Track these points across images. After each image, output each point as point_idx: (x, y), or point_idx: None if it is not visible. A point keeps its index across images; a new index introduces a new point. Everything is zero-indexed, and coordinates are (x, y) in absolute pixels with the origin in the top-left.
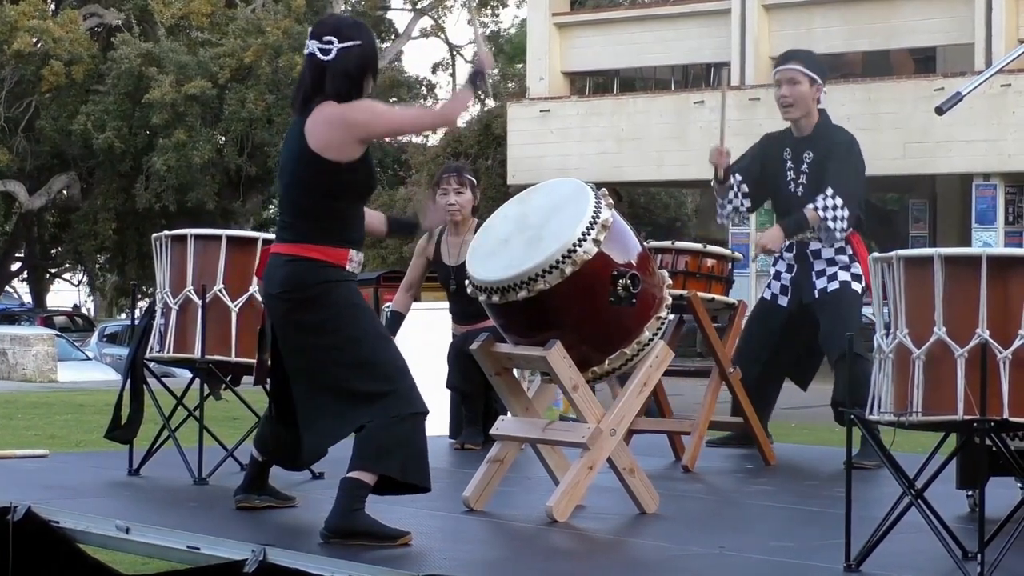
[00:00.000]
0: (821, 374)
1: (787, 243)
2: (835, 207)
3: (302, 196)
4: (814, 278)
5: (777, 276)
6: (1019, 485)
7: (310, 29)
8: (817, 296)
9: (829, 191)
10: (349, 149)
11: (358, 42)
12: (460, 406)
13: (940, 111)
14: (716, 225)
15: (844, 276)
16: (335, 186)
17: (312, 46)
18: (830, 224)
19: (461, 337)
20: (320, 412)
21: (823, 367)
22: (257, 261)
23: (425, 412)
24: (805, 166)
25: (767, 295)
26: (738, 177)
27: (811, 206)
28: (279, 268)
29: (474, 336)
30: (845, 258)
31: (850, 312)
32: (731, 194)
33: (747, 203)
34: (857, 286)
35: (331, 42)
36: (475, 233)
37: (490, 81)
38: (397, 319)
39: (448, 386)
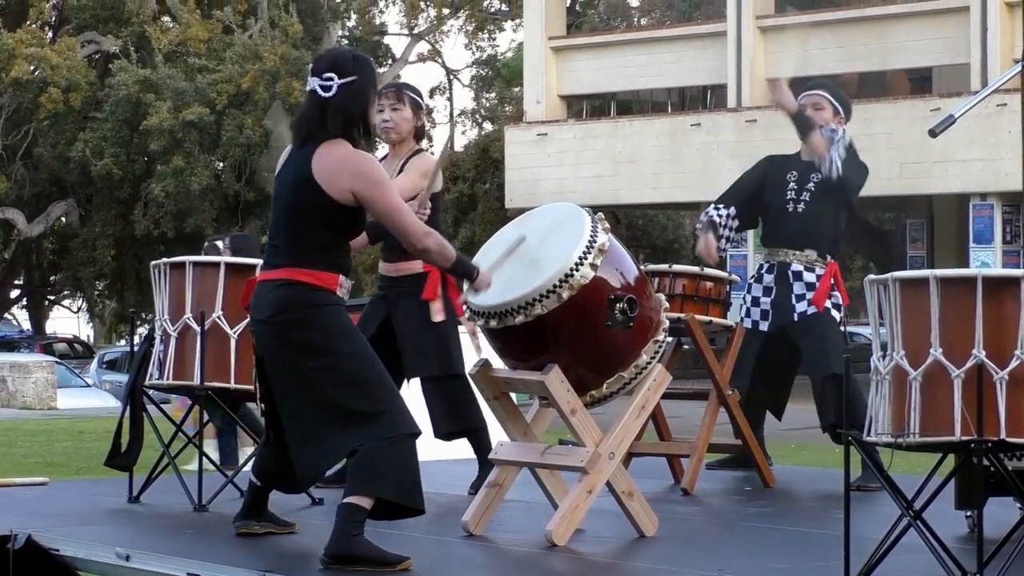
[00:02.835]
0: (808, 396)
1: (767, 263)
2: (838, 145)
3: (299, 224)
4: (794, 301)
5: (756, 302)
6: (1017, 505)
7: (311, 65)
8: (796, 320)
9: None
10: (348, 197)
11: (355, 77)
12: None
13: (933, 134)
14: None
15: (824, 300)
16: (333, 219)
17: (313, 83)
18: (834, 154)
19: (380, 295)
20: (313, 433)
21: (803, 390)
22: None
23: (417, 433)
24: (811, 185)
25: (747, 323)
26: (730, 210)
27: (821, 134)
28: (269, 293)
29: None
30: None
31: (833, 336)
32: (721, 240)
33: (735, 224)
34: (836, 313)
35: (331, 79)
36: (411, 159)
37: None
38: None
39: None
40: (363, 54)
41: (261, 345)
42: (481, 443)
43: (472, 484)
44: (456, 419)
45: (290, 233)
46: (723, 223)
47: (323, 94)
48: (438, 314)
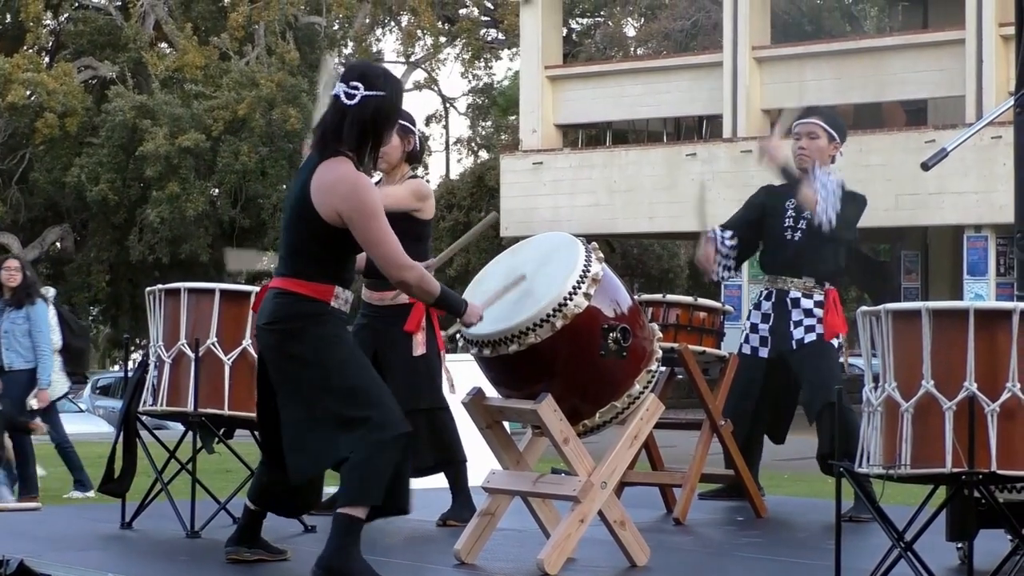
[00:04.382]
0: (802, 425)
1: (766, 291)
2: (830, 193)
3: (295, 236)
4: (791, 328)
5: (754, 329)
6: (1008, 537)
7: (342, 70)
8: (795, 347)
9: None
10: (335, 218)
11: (383, 93)
12: None
13: (926, 167)
14: (708, 278)
15: (821, 329)
16: (325, 236)
17: (339, 88)
18: (821, 209)
19: (363, 323)
20: (305, 438)
21: (798, 420)
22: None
23: (406, 432)
24: (808, 213)
25: (746, 350)
26: (727, 233)
27: (811, 189)
28: (269, 301)
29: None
30: (822, 311)
31: (830, 365)
32: (716, 250)
33: (734, 254)
34: (834, 340)
35: (357, 88)
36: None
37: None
38: None
39: None
40: (395, 75)
41: (262, 346)
42: (459, 477)
43: (442, 516)
44: (440, 451)
45: (289, 244)
46: (721, 245)
47: (345, 101)
48: (419, 347)
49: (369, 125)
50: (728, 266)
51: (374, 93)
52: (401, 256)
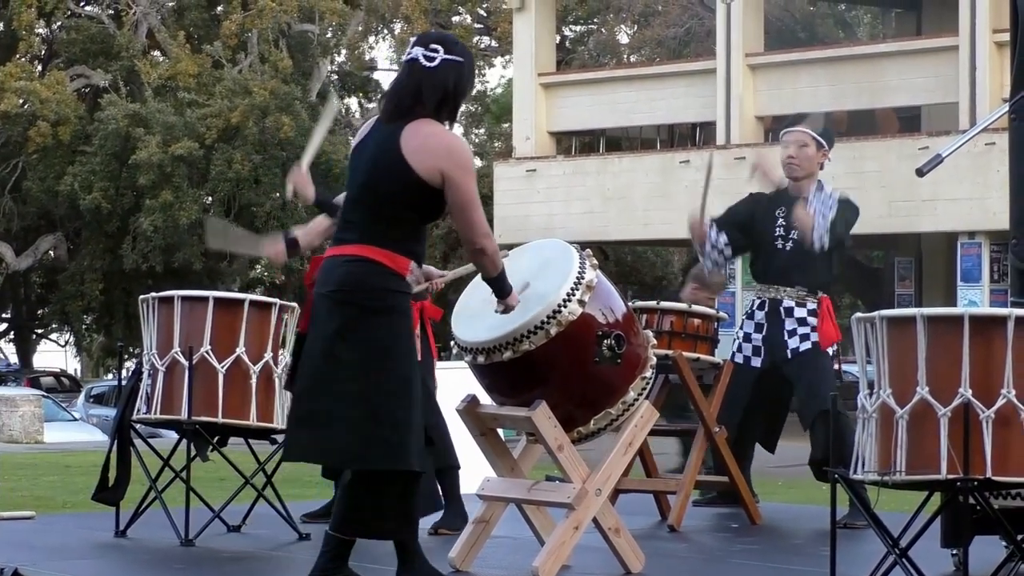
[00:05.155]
0: (797, 432)
1: (759, 300)
2: (824, 212)
3: (379, 201)
4: (786, 336)
5: (748, 338)
6: (1003, 543)
7: (413, 38)
8: (790, 356)
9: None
10: (436, 177)
11: (461, 59)
12: None
13: (920, 173)
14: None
15: (816, 337)
16: (415, 200)
17: (416, 52)
18: (816, 234)
19: None
20: (329, 417)
21: (792, 427)
22: (308, 269)
23: (420, 473)
24: (797, 233)
25: (739, 359)
26: (723, 239)
27: (805, 211)
28: (339, 267)
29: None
30: (816, 320)
31: (825, 373)
32: (709, 245)
33: (728, 250)
34: (829, 348)
35: (436, 51)
36: None
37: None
38: (293, 245)
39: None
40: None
41: (318, 313)
42: (451, 485)
43: (434, 524)
44: (432, 458)
45: (369, 210)
46: (714, 245)
47: (426, 64)
48: None
49: (452, 89)
50: (718, 263)
51: (453, 58)
52: (485, 222)
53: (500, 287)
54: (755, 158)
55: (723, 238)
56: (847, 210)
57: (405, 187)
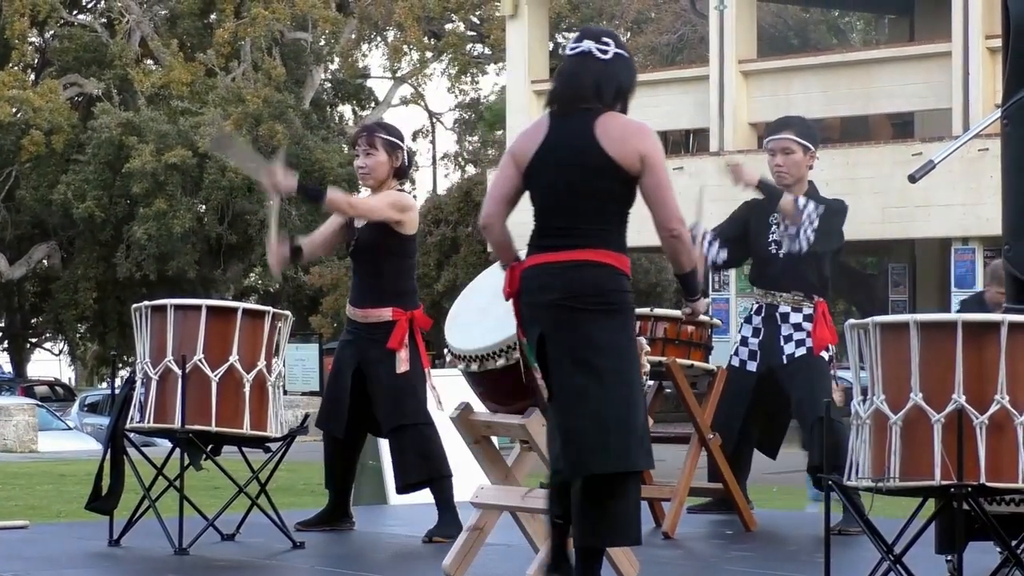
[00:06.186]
0: (790, 439)
1: (756, 305)
2: (811, 218)
3: (586, 198)
4: (781, 342)
5: (744, 342)
6: (997, 550)
7: (576, 33)
8: (785, 362)
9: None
10: (636, 163)
11: (628, 55)
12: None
13: (913, 179)
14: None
15: (811, 342)
16: (618, 190)
17: (588, 45)
18: (803, 218)
19: (348, 339)
20: (606, 425)
21: (791, 433)
22: (506, 282)
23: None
24: (781, 235)
25: (735, 362)
26: (723, 254)
27: (792, 198)
28: (565, 273)
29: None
30: (811, 325)
31: (821, 378)
32: (709, 260)
33: (723, 254)
34: (825, 353)
35: (608, 44)
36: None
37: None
38: (297, 253)
39: (319, 425)
40: None
41: (544, 325)
42: (444, 492)
43: (428, 532)
44: (425, 468)
45: (577, 211)
46: (714, 260)
47: (600, 55)
48: (402, 364)
49: (624, 84)
50: (715, 260)
51: (623, 53)
52: (679, 207)
53: (691, 284)
54: (727, 160)
55: (723, 254)
56: (834, 210)
57: (611, 180)
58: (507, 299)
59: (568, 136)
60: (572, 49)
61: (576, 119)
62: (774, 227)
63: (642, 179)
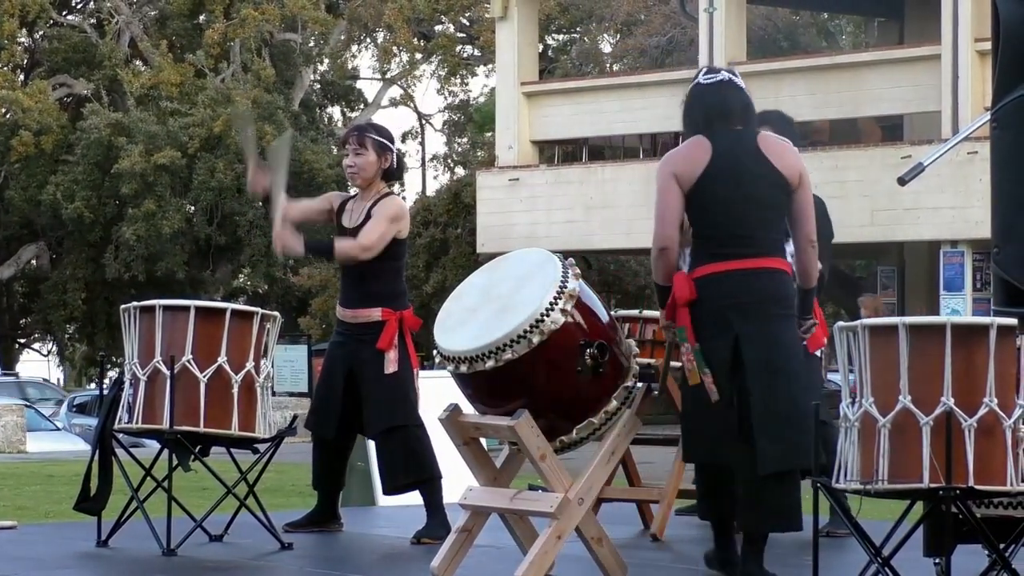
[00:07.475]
0: None
1: None
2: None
3: (766, 210)
4: None
5: None
6: (985, 552)
7: (702, 68)
8: None
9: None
10: (796, 177)
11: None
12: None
13: (902, 182)
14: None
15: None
16: (789, 206)
17: (725, 75)
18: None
19: (338, 340)
20: (781, 423)
21: None
22: (679, 292)
23: None
24: None
25: None
26: None
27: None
28: (751, 279)
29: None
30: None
31: (812, 379)
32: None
33: None
34: (818, 352)
35: (736, 74)
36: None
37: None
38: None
39: (308, 426)
40: None
41: (739, 329)
42: (434, 494)
43: (416, 533)
44: (414, 469)
45: (756, 220)
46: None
47: (739, 83)
48: (391, 365)
49: (754, 108)
50: None
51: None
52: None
53: (808, 302)
54: None
55: None
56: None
57: (781, 192)
58: (681, 306)
59: (739, 153)
60: (709, 78)
61: (738, 137)
62: None
63: (796, 192)
